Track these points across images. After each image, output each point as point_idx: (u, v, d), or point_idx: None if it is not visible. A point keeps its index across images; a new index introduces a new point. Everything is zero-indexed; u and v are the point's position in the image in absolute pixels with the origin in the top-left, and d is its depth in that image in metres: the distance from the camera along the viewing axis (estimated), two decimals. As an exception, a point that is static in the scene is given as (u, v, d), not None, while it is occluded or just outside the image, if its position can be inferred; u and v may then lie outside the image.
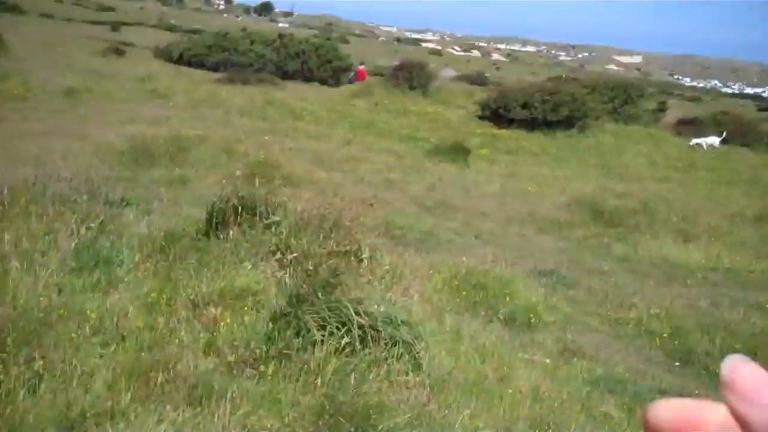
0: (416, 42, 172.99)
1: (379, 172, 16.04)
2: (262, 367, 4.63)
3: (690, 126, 33.29)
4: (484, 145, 22.39)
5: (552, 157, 22.59)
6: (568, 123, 26.53)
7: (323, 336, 5.14)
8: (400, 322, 5.64)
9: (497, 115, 26.65)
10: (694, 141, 26.50)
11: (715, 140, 26.34)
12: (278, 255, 6.67)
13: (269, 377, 4.57)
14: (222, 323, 5.20)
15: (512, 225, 13.53)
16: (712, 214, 15.37)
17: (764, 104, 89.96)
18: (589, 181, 18.83)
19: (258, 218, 7.37)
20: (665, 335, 8.41)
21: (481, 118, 27.31)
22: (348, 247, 7.26)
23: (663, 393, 6.77)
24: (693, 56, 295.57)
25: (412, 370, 5.21)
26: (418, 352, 5.39)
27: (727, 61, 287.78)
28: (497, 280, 8.49)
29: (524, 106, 26.00)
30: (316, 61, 33.41)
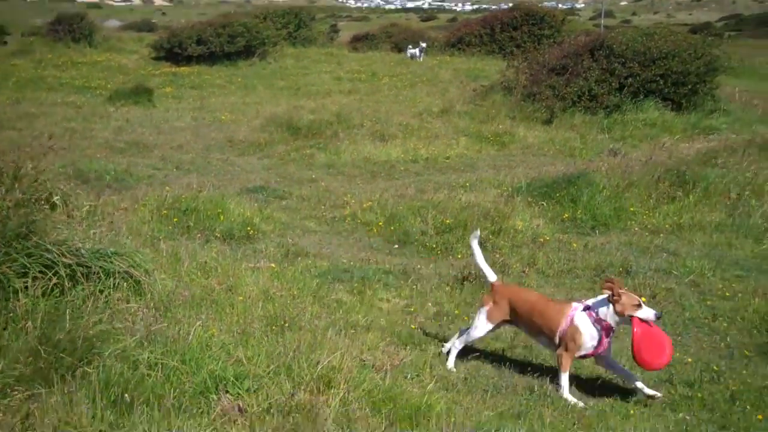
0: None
1: (58, 124, 14.78)
2: (-43, 325, 4.01)
3: (364, 41, 34.82)
4: (167, 84, 21.56)
5: (239, 86, 22.37)
6: (247, 52, 26.56)
7: (25, 282, 4.60)
8: (110, 254, 5.22)
9: (173, 54, 26.04)
10: (409, 52, 28.77)
11: (421, 47, 28.81)
12: (-47, 217, 5.87)
13: (-32, 333, 3.97)
14: None
15: (212, 152, 13.17)
16: (402, 114, 16.06)
17: (426, 15, 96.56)
18: (280, 103, 18.87)
19: None
20: (380, 224, 8.67)
21: (156, 59, 26.43)
22: (37, 195, 6.57)
23: (387, 273, 6.99)
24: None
25: (133, 297, 4.85)
26: (136, 279, 5.01)
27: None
28: (208, 202, 8.22)
29: (199, 42, 25.69)
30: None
